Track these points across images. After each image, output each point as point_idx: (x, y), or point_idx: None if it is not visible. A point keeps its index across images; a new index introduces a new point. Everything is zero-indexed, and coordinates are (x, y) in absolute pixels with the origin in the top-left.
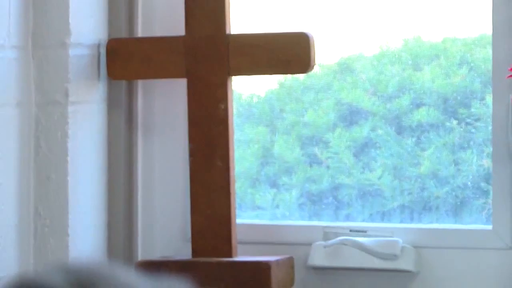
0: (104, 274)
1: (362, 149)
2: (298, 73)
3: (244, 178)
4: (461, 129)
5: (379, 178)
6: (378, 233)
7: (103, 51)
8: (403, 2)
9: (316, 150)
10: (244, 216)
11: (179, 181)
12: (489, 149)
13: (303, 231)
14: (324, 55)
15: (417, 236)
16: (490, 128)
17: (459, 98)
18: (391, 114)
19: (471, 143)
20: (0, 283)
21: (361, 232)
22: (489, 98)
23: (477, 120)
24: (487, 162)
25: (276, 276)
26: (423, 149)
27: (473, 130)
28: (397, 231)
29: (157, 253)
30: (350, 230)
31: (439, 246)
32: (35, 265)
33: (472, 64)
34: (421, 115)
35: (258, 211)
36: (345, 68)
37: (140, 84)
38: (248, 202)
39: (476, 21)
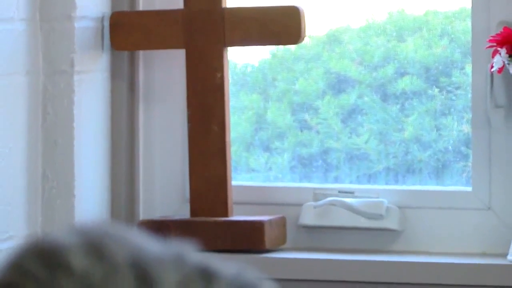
0: (114, 235)
1: (349, 115)
2: (290, 44)
3: (239, 143)
4: (443, 97)
5: (366, 142)
6: (365, 194)
7: (106, 23)
8: None
9: (306, 116)
10: (239, 178)
11: (178, 145)
12: (469, 115)
13: (294, 193)
14: (313, 27)
15: (401, 197)
16: (469, 95)
17: (440, 67)
18: (376, 82)
19: (452, 109)
20: (10, 242)
21: (349, 193)
22: (468, 68)
23: (457, 88)
24: (466, 128)
25: (269, 234)
26: (406, 116)
27: (453, 98)
28: (383, 193)
29: (157, 213)
30: (339, 192)
31: (421, 206)
32: (43, 225)
33: (452, 36)
34: (405, 83)
35: (252, 174)
36: (333, 39)
37: (141, 54)
38: (243, 165)
39: None
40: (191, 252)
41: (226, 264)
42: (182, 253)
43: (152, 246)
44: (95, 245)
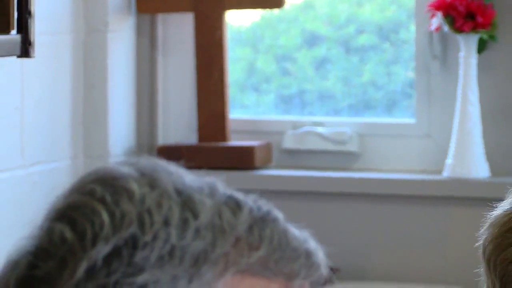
0: (161, 167)
1: (320, 64)
2: (274, 8)
3: (235, 86)
4: (392, 50)
5: (333, 85)
6: (332, 125)
7: None
8: None
9: (287, 65)
10: (235, 113)
11: (188, 87)
12: (413, 64)
13: (278, 124)
14: None
15: (360, 127)
16: (413, 49)
17: (391, 27)
18: (341, 39)
19: (400, 60)
20: (57, 163)
21: (320, 124)
22: (412, 27)
23: (404, 43)
24: (411, 74)
25: (258, 156)
26: (364, 64)
27: (401, 50)
28: (346, 124)
29: (171, 140)
30: (312, 123)
31: (376, 134)
32: (84, 150)
33: (400, 2)
34: (363, 39)
35: (245, 109)
36: (308, 5)
37: (160, 17)
38: (238, 103)
39: None
40: (219, 183)
41: (245, 195)
42: (214, 183)
43: (190, 176)
44: (147, 175)
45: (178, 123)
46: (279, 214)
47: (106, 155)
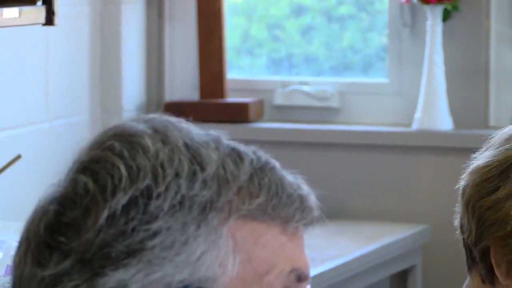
0: (171, 123)
1: (306, 31)
2: None
3: (231, 50)
4: (369, 19)
5: (317, 49)
6: (316, 84)
7: None
8: None
9: (277, 32)
10: (232, 73)
11: (191, 51)
12: (386, 31)
13: (269, 83)
14: None
15: (340, 86)
16: (387, 18)
17: None
18: (324, 9)
19: (375, 27)
20: (78, 117)
21: (306, 83)
22: None
23: (379, 12)
24: (385, 40)
25: (252, 111)
26: (344, 31)
27: (376, 19)
28: (328, 83)
29: (177, 97)
30: (299, 82)
31: (354, 92)
32: (101, 105)
33: None
34: (343, 9)
35: (240, 70)
36: None
37: None
38: (235, 65)
39: None
40: (223, 136)
41: (246, 147)
42: (218, 137)
43: (197, 131)
44: (160, 132)
45: (183, 82)
46: (276, 163)
47: (120, 110)
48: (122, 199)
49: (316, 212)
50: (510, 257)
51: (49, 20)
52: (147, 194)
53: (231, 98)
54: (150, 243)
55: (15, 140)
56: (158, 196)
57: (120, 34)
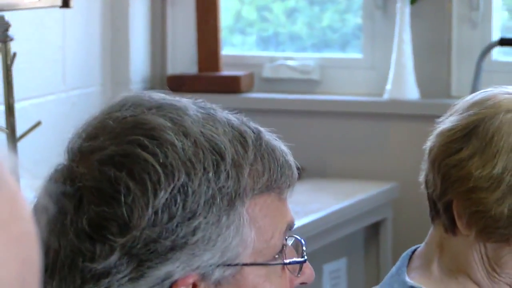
0: (175, 106)
1: (291, 13)
2: None
3: (226, 29)
4: (346, 2)
5: (300, 29)
6: (300, 59)
7: None
8: None
9: (265, 13)
10: (226, 50)
11: (190, 30)
12: (361, 13)
13: (259, 58)
14: None
15: (321, 61)
16: (361, 1)
17: None
18: None
19: (351, 9)
20: (92, 88)
21: (290, 58)
22: None
23: None
24: (360, 20)
25: (243, 83)
26: (324, 13)
27: (352, 2)
28: (310, 58)
29: (178, 71)
30: (284, 58)
31: (333, 66)
32: (111, 76)
33: None
34: None
35: (233, 47)
36: None
37: None
38: (229, 42)
39: None
40: (217, 109)
41: (237, 118)
42: (215, 113)
43: (196, 111)
44: (177, 123)
45: (183, 58)
46: (263, 132)
47: (128, 82)
48: (162, 197)
49: (296, 172)
50: (471, 209)
51: (65, 2)
52: (184, 191)
53: (225, 72)
54: (192, 239)
55: (36, 108)
56: (193, 192)
57: (128, 15)
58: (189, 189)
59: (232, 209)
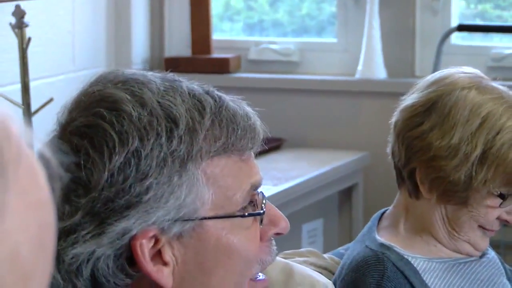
0: (138, 80)
1: (273, 2)
2: None
3: (216, 16)
4: None
5: (282, 16)
6: (281, 43)
7: None
8: None
9: (251, 2)
10: (216, 35)
11: (185, 17)
12: (336, 2)
13: (245, 43)
14: None
15: (300, 44)
16: None
17: None
18: None
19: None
20: (96, 69)
21: (273, 43)
22: None
23: None
24: (334, 9)
25: (232, 64)
26: (303, 2)
27: None
28: (291, 42)
29: (174, 53)
30: (268, 42)
31: (311, 49)
32: (116, 61)
33: None
34: None
35: (223, 33)
36: None
37: None
38: (219, 28)
39: None
40: (181, 80)
41: (201, 87)
42: (179, 85)
43: (161, 85)
44: (136, 96)
45: (178, 42)
46: (226, 99)
47: (130, 63)
48: (117, 161)
49: (262, 135)
50: (432, 176)
51: None
52: (137, 155)
53: (215, 54)
54: (144, 197)
55: (48, 86)
56: (146, 156)
57: (130, 5)
58: (142, 153)
59: (184, 170)
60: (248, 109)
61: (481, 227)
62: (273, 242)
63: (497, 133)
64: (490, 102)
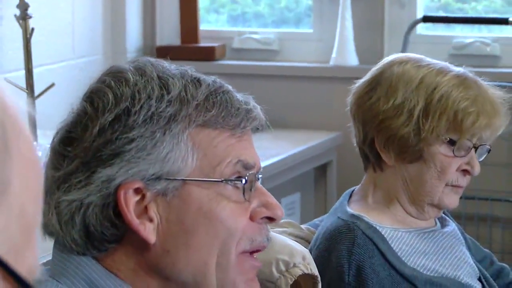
0: (150, 61)
1: None
2: None
3: (203, 9)
4: None
5: (263, 9)
6: (263, 33)
7: None
8: None
9: None
10: (203, 26)
11: (175, 9)
12: None
13: (229, 33)
14: None
15: (280, 34)
16: None
17: None
18: None
19: None
20: (94, 57)
21: (255, 33)
22: None
23: None
24: (310, 2)
25: (217, 52)
26: None
27: None
28: (271, 33)
29: (165, 42)
30: (249, 32)
31: (290, 39)
32: (112, 49)
33: None
34: None
35: (209, 24)
36: None
37: None
38: (205, 20)
39: None
40: (191, 69)
41: (209, 77)
42: (185, 70)
43: (171, 67)
44: (139, 69)
45: (169, 32)
46: (229, 88)
47: (125, 52)
48: (109, 116)
49: (259, 121)
50: (385, 137)
51: None
52: (127, 112)
53: (202, 43)
54: (128, 147)
55: (50, 72)
56: (135, 113)
57: None
58: (132, 111)
59: (168, 128)
60: (253, 101)
61: (448, 185)
62: (267, 227)
63: (434, 88)
64: (423, 68)
